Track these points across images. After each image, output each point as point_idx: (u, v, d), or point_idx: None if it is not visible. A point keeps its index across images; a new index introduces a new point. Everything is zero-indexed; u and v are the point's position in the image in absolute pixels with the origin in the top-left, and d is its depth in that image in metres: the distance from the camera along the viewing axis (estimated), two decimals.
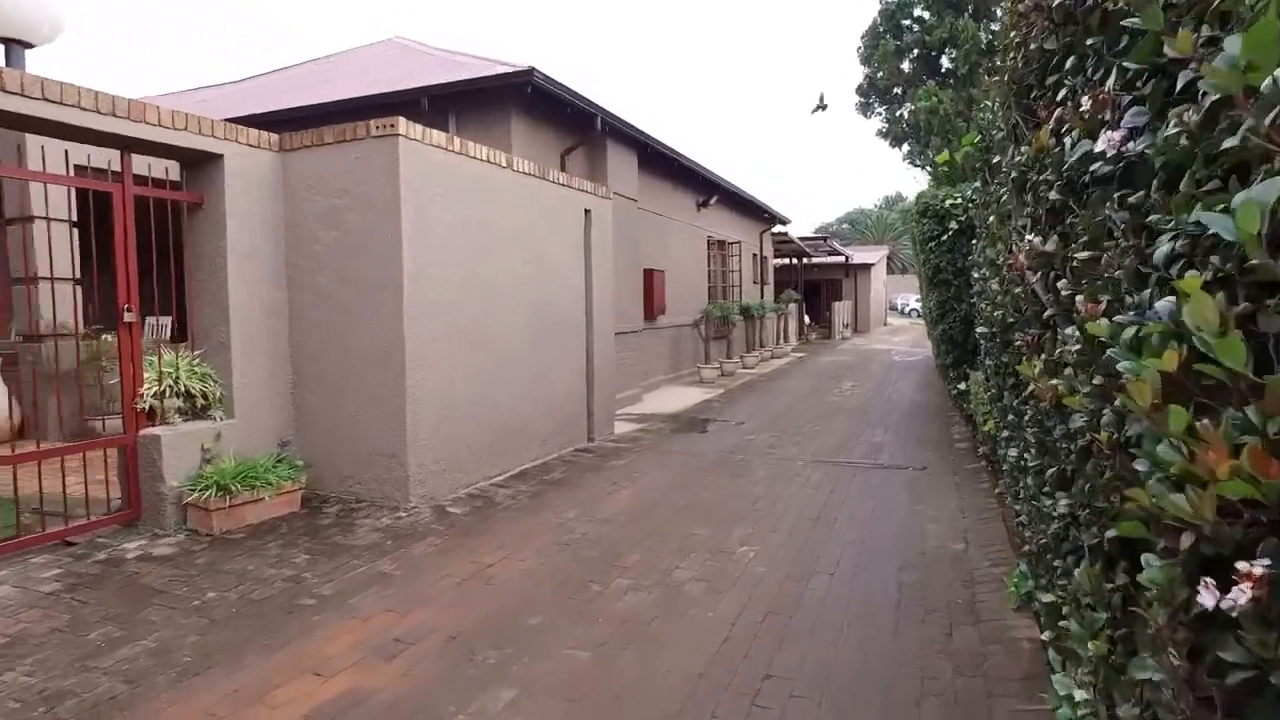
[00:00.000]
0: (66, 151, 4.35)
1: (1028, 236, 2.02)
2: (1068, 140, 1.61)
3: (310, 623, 3.30)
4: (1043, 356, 1.91)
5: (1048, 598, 2.24)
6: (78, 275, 4.86)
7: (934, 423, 8.68)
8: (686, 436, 8.04)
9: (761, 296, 19.50)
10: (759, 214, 18.74)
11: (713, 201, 14.58)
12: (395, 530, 4.64)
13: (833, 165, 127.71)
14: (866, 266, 32.30)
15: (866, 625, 3.26)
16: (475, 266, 5.70)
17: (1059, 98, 1.79)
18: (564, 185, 7.01)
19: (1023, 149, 2.15)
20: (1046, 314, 1.90)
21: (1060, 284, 1.69)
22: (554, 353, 6.82)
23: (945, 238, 6.13)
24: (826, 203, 66.83)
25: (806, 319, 27.34)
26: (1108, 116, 1.41)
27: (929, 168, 19.03)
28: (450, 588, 3.72)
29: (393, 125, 4.91)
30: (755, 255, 19.30)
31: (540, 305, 6.58)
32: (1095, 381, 1.37)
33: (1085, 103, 1.47)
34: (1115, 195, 1.36)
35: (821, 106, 20.71)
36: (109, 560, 4.09)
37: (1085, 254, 1.50)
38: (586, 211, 7.46)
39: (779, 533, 4.59)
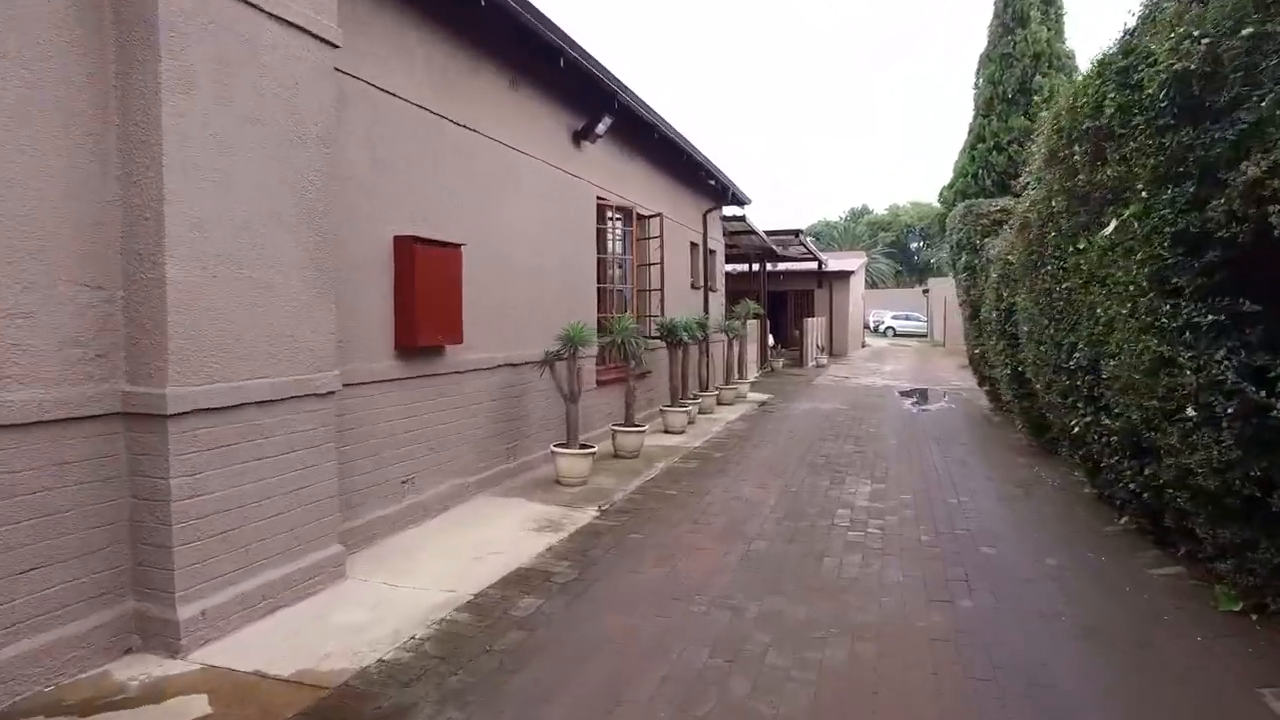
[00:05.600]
0: None
1: None
2: None
3: None
4: None
5: None
6: None
7: None
8: None
9: (706, 310, 12.73)
10: (701, 181, 12.05)
11: (603, 129, 7.71)
12: None
13: (793, 174, 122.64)
14: (844, 275, 26.07)
15: None
16: None
17: None
18: None
19: None
20: None
21: None
22: None
23: None
24: (788, 214, 60.77)
25: (770, 340, 20.85)
26: None
27: None
28: None
29: None
30: (695, 245, 12.56)
31: None
32: None
33: None
34: None
35: None
36: None
37: None
38: None
39: None
